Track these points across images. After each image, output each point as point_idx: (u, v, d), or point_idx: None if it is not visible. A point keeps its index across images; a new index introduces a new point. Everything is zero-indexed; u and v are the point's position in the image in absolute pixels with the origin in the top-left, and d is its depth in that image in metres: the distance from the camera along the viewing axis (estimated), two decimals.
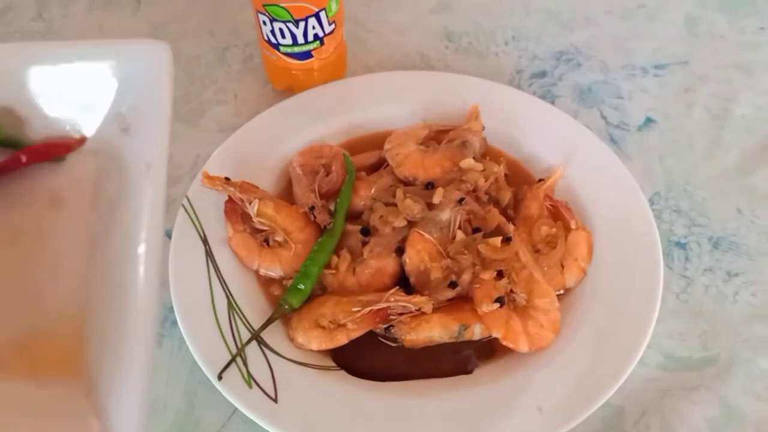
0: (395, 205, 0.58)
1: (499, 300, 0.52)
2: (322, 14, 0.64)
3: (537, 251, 0.57)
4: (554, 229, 0.58)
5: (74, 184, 0.42)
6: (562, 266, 0.57)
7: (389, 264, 0.56)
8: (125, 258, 0.35)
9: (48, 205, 0.42)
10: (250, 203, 0.58)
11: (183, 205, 0.60)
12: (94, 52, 0.41)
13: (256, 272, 0.58)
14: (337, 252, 0.57)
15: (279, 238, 0.58)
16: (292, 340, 0.54)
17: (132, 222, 0.36)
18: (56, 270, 0.40)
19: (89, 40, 0.43)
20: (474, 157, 0.62)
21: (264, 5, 0.63)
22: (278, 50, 0.67)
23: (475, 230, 0.57)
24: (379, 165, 0.65)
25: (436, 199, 0.57)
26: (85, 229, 0.41)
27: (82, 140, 0.43)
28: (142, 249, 0.35)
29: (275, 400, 0.50)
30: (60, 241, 0.40)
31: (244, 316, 0.55)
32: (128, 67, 0.40)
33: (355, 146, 0.67)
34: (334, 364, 0.53)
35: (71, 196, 0.42)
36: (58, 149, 0.44)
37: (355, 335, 0.53)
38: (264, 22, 0.65)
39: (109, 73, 0.41)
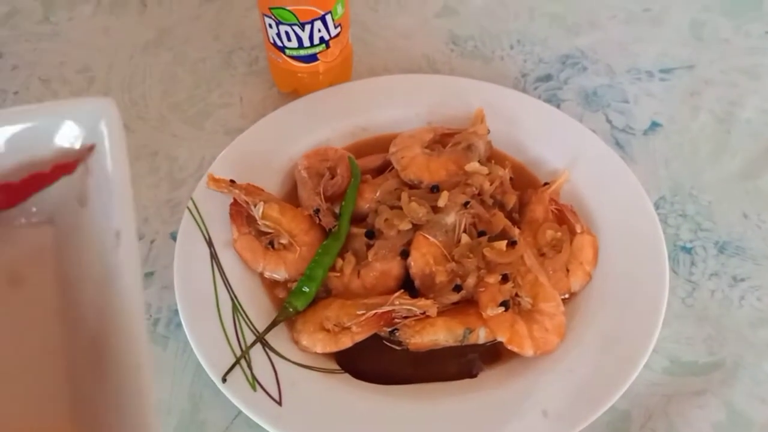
0: (400, 208, 0.58)
1: (504, 304, 0.52)
2: (328, 17, 0.64)
3: (542, 255, 0.57)
4: (559, 233, 0.58)
5: (32, 260, 0.36)
6: (568, 270, 0.57)
7: (394, 267, 0.56)
8: (109, 349, 0.30)
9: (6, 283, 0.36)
10: (255, 206, 0.58)
11: (188, 208, 0.60)
12: (27, 117, 0.34)
13: (261, 275, 0.58)
14: (341, 255, 0.57)
15: (284, 241, 0.58)
16: (296, 342, 0.54)
17: (108, 299, 0.31)
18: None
19: (24, 106, 0.38)
20: (479, 161, 0.61)
21: (270, 8, 0.63)
22: (284, 53, 0.67)
23: (480, 234, 0.56)
24: (384, 168, 0.64)
25: (441, 202, 0.57)
26: (51, 307, 0.35)
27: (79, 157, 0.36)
28: (127, 335, 0.29)
29: (279, 403, 0.50)
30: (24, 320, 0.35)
31: (248, 319, 0.55)
32: (72, 131, 0.34)
33: (361, 149, 0.66)
34: (338, 367, 0.53)
35: (31, 272, 0.36)
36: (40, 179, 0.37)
37: (359, 338, 0.53)
38: (270, 25, 0.65)
39: (51, 138, 0.34)
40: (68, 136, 0.33)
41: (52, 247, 0.35)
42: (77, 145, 0.32)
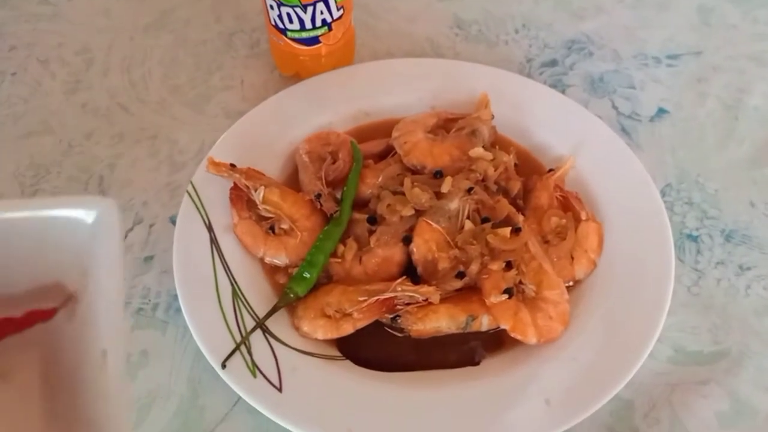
0: (403, 193, 0.57)
1: (508, 291, 0.52)
2: None
3: (546, 242, 0.57)
4: (564, 220, 0.57)
5: (19, 366, 0.33)
6: (572, 257, 0.56)
7: (396, 253, 0.56)
8: None
9: None
10: (255, 190, 0.58)
11: (187, 192, 0.59)
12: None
13: (261, 260, 0.57)
14: (343, 240, 0.57)
15: (285, 226, 0.58)
16: (297, 328, 0.53)
17: (94, 414, 0.29)
18: None
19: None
20: (483, 146, 0.61)
21: None
22: (285, 35, 0.66)
23: (484, 220, 0.56)
24: (387, 153, 0.64)
25: (445, 188, 0.56)
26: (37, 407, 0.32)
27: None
28: None
29: (280, 390, 0.49)
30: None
31: (248, 304, 0.54)
32: (67, 232, 0.31)
33: (363, 134, 0.66)
34: (339, 354, 0.53)
35: (18, 375, 0.33)
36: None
37: (361, 325, 0.52)
38: (271, 7, 0.64)
39: (41, 241, 0.32)
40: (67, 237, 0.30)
41: (39, 346, 0.33)
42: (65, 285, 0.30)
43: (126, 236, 0.62)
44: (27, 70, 0.75)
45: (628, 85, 0.73)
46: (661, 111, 0.70)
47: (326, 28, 0.65)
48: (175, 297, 0.54)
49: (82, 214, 0.31)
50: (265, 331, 0.53)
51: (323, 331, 0.52)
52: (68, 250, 0.31)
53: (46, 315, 0.31)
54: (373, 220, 0.57)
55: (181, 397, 0.53)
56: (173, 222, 0.59)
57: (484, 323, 0.53)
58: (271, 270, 0.57)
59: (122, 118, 0.70)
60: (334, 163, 0.61)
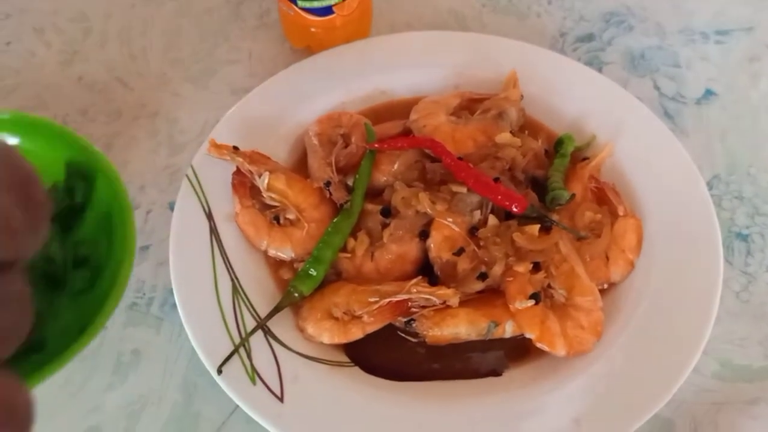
0: (420, 183, 0.53)
1: (535, 296, 0.49)
2: None
3: (579, 240, 0.53)
4: (599, 216, 0.54)
5: None
6: (607, 258, 0.53)
7: (412, 249, 0.52)
8: None
9: None
10: (259, 176, 0.55)
11: (187, 176, 0.56)
12: None
13: (265, 253, 0.55)
14: (354, 234, 0.54)
15: (291, 216, 0.55)
16: (301, 330, 0.51)
17: None
18: None
19: None
20: (511, 131, 0.57)
21: None
22: (296, 5, 0.62)
23: (510, 216, 0.52)
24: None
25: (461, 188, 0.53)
26: None
27: None
28: None
29: (281, 399, 0.47)
30: None
31: (249, 302, 0.51)
32: None
33: (378, 114, 0.63)
34: (347, 360, 0.50)
35: None
36: None
37: (371, 329, 0.49)
38: None
39: None
40: None
41: None
42: None
43: None
44: (21, 39, 0.71)
45: (672, 64, 0.69)
46: (709, 93, 0.67)
47: None
48: (171, 292, 0.51)
49: None
50: (267, 332, 0.50)
51: (329, 334, 0.50)
52: None
53: None
54: (387, 212, 0.54)
55: (174, 403, 0.50)
56: (172, 208, 0.56)
57: (508, 330, 0.50)
58: (275, 264, 0.54)
59: (120, 94, 0.67)
60: (345, 147, 0.58)
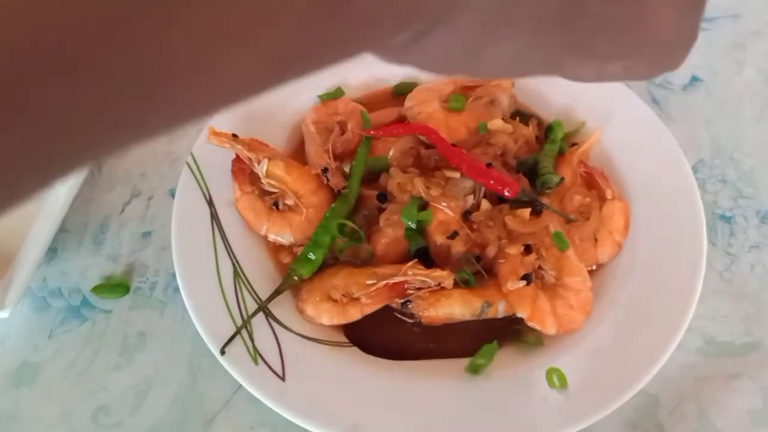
0: (415, 170, 0.54)
1: (526, 277, 0.49)
2: None
3: (568, 223, 0.53)
4: (588, 199, 0.55)
5: None
6: (596, 239, 0.53)
7: None
8: None
9: None
10: (258, 163, 0.55)
11: (187, 163, 0.56)
12: None
13: (265, 238, 0.55)
14: (351, 218, 0.54)
15: (289, 202, 0.55)
16: (301, 312, 0.51)
17: None
18: None
19: None
20: (503, 117, 0.58)
21: None
22: None
23: (502, 200, 0.53)
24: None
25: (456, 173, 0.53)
26: None
27: None
28: None
29: (282, 378, 0.47)
30: None
31: (250, 285, 0.52)
32: None
33: (374, 102, 0.62)
34: (346, 340, 0.50)
35: None
36: None
37: (369, 311, 0.50)
38: None
39: None
40: None
41: None
42: None
43: (123, 210, 0.59)
44: None
45: None
46: (695, 79, 0.67)
47: None
48: (174, 276, 0.51)
49: None
50: (268, 314, 0.50)
51: (329, 315, 0.50)
52: None
53: None
54: (384, 197, 0.54)
55: (179, 383, 0.51)
56: (173, 195, 0.56)
57: (501, 310, 0.50)
58: (275, 248, 0.55)
59: None
60: (342, 134, 0.58)
